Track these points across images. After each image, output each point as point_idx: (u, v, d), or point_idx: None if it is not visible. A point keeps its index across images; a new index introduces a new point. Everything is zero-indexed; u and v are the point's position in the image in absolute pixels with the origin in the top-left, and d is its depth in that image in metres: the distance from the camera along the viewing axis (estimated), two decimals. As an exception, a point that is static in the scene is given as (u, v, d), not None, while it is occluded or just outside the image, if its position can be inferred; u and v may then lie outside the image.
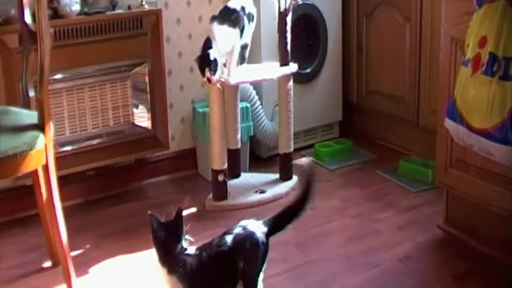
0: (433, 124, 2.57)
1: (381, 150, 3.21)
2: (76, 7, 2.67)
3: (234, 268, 1.82)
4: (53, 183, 2.04)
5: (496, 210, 2.19)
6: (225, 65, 2.62)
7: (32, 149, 1.94)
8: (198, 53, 3.00)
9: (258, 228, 1.87)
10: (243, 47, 2.68)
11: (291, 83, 2.85)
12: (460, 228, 2.37)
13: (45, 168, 2.02)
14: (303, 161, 1.99)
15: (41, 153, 1.98)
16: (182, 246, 1.79)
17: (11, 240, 2.52)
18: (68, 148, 2.77)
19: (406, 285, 2.10)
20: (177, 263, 1.77)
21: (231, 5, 2.62)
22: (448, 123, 2.13)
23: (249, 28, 2.68)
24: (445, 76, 2.33)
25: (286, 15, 2.78)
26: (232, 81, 2.66)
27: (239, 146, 2.91)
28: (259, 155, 3.19)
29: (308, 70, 3.25)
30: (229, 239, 1.83)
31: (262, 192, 2.81)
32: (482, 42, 1.95)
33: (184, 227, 1.81)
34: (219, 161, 2.71)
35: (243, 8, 2.64)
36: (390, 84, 3.19)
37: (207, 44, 2.51)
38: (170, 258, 1.78)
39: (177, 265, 1.77)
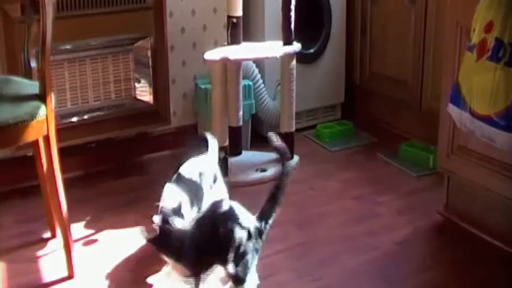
0: (435, 109, 2.55)
1: (382, 134, 3.19)
2: (81, -23, 2.65)
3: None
4: (54, 154, 2.03)
5: (497, 198, 2.19)
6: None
7: (33, 119, 1.93)
8: (201, 29, 3.01)
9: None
10: None
11: (294, 62, 2.84)
12: (460, 215, 2.37)
13: (46, 139, 2.01)
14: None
15: (42, 123, 1.97)
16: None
17: (11, 210, 2.51)
18: (69, 120, 2.77)
19: (404, 269, 2.11)
20: None
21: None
22: (451, 109, 2.13)
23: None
24: (449, 61, 2.30)
25: (291, -6, 2.76)
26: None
27: (241, 123, 2.90)
28: (261, 133, 3.18)
29: (311, 50, 3.23)
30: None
31: (263, 170, 2.81)
32: (489, 28, 1.93)
33: None
34: (220, 138, 2.69)
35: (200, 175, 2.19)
36: (394, 67, 3.17)
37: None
38: None
39: None
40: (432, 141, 2.65)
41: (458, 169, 2.30)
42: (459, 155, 2.29)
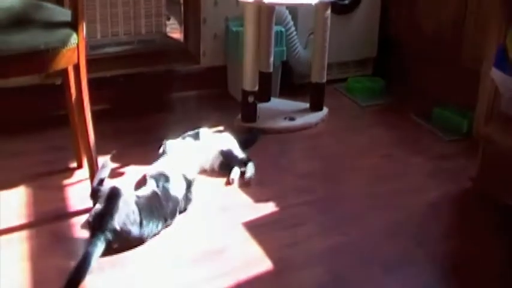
0: (475, 71, 2.45)
1: (415, 93, 3.09)
2: None
3: None
4: (84, 84, 2.00)
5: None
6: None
7: (64, 47, 1.88)
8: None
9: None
10: None
11: (328, 11, 2.75)
12: (492, 183, 2.28)
13: (76, 68, 1.97)
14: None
15: (73, 52, 1.92)
16: None
17: (38, 137, 2.50)
18: (98, 52, 2.73)
19: (431, 233, 2.05)
20: None
21: None
22: (495, 74, 2.05)
23: None
24: (495, 20, 2.17)
25: None
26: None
27: (271, 69, 2.84)
28: (290, 81, 3.11)
29: (346, 1, 3.13)
30: None
31: (292, 119, 2.76)
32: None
33: None
34: (250, 82, 2.65)
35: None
36: (432, 23, 3.03)
37: None
38: None
39: None
40: (468, 104, 2.57)
41: (495, 136, 2.20)
42: (498, 122, 2.20)
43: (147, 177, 2.08)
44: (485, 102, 2.25)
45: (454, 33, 2.90)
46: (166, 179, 2.04)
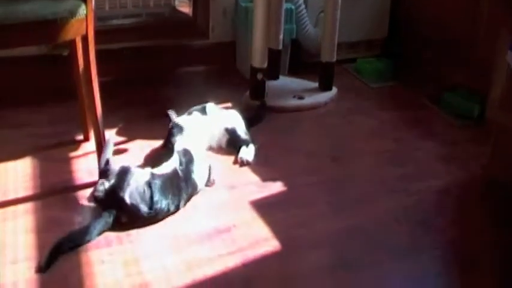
0: (487, 54, 2.41)
1: (425, 75, 3.04)
2: None
3: None
4: (91, 55, 1.97)
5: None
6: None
7: (72, 17, 1.85)
8: None
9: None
10: None
11: (340, -11, 2.71)
12: (503, 172, 2.23)
13: (85, 39, 1.94)
14: None
15: (82, 22, 1.89)
16: None
17: (44, 109, 2.47)
18: (106, 23, 2.69)
19: (439, 220, 2.02)
20: None
21: None
22: (511, 57, 2.01)
23: None
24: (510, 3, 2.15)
25: None
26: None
27: (281, 47, 2.80)
28: (300, 60, 3.06)
29: (358, -20, 3.09)
30: None
31: (301, 98, 2.72)
32: None
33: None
34: (259, 59, 2.61)
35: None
36: (444, 5, 2.97)
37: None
38: None
39: None
40: (479, 89, 2.53)
41: (509, 121, 2.18)
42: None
43: (175, 152, 2.03)
44: (499, 86, 2.21)
45: (467, 15, 2.84)
46: (191, 160, 1.99)
